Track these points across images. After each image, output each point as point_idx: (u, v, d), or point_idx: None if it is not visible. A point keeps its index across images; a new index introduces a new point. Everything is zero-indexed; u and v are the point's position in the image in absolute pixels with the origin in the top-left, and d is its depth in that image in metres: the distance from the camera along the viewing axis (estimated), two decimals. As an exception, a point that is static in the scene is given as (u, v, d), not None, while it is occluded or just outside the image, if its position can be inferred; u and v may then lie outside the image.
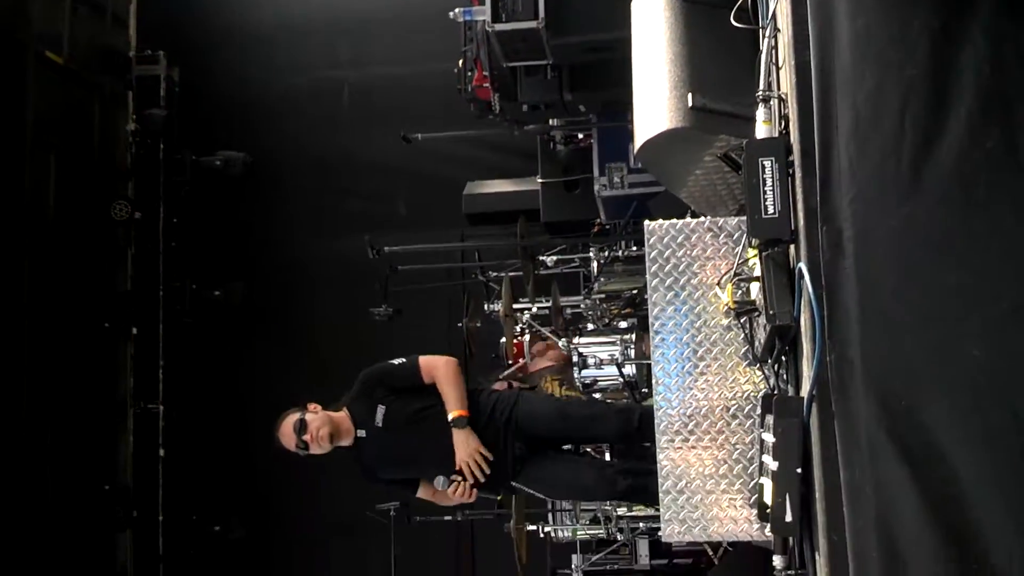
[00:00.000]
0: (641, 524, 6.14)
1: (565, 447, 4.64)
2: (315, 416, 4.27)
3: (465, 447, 4.24)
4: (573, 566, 6.51)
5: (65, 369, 7.78)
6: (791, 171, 2.91)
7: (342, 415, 4.33)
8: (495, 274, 7.29)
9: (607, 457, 5.21)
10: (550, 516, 6.30)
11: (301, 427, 4.22)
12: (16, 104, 7.46)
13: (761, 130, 3.05)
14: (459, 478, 4.26)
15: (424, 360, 4.37)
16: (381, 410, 4.30)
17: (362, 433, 4.32)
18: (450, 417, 4.26)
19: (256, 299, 8.84)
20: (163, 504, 8.38)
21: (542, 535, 6.38)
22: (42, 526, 7.31)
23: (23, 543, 7.11)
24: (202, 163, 8.73)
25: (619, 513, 6.07)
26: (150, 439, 8.40)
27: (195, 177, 8.73)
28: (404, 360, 4.41)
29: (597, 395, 5.88)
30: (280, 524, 8.50)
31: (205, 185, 8.80)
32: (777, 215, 2.88)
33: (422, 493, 4.52)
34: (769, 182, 2.88)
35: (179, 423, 8.58)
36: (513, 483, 4.42)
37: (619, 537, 6.34)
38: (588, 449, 5.41)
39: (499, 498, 4.86)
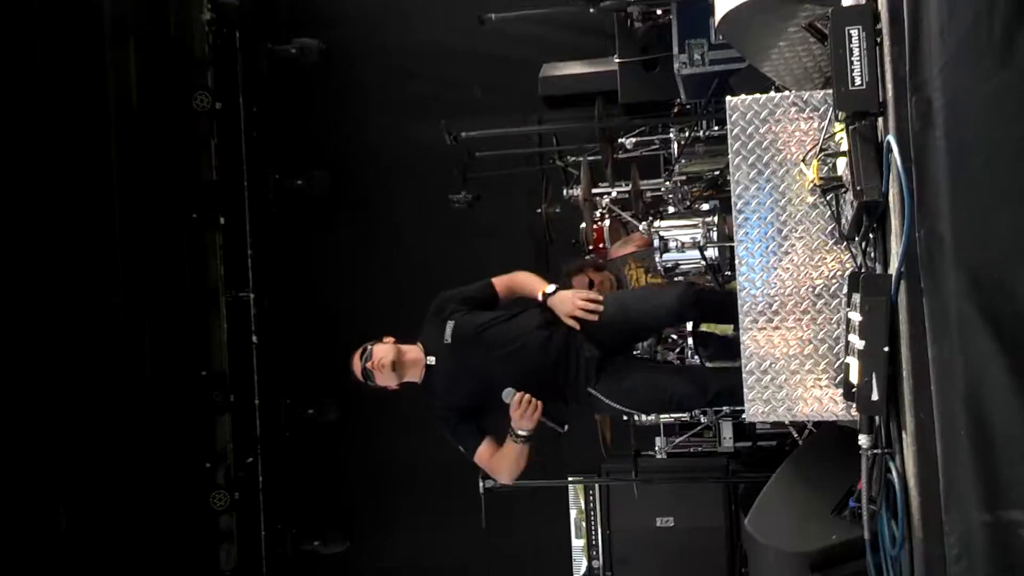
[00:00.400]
0: (725, 407, 6.15)
1: (636, 352, 4.54)
2: (382, 345, 4.28)
3: (564, 302, 4.22)
4: (657, 448, 6.58)
5: (157, 259, 7.96)
6: (879, 40, 2.80)
7: (411, 347, 4.33)
8: (573, 158, 7.20)
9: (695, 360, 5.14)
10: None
11: (367, 355, 4.25)
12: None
13: (848, -4, 2.93)
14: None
15: (497, 278, 4.44)
16: (450, 325, 4.30)
17: (432, 360, 4.30)
18: (540, 297, 4.29)
19: (337, 187, 8.92)
20: (258, 389, 8.65)
21: (625, 418, 6.45)
22: (145, 412, 7.61)
23: (129, 430, 7.44)
24: (277, 52, 8.72)
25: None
26: (242, 326, 8.60)
27: (271, 66, 8.73)
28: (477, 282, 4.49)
29: (679, 279, 5.84)
30: (373, 407, 8.71)
31: (281, 74, 8.80)
32: (865, 86, 2.80)
33: (482, 454, 4.28)
34: (856, 52, 2.79)
35: (269, 310, 8.79)
36: (590, 390, 4.27)
37: (702, 420, 6.38)
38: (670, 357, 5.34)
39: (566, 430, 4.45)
